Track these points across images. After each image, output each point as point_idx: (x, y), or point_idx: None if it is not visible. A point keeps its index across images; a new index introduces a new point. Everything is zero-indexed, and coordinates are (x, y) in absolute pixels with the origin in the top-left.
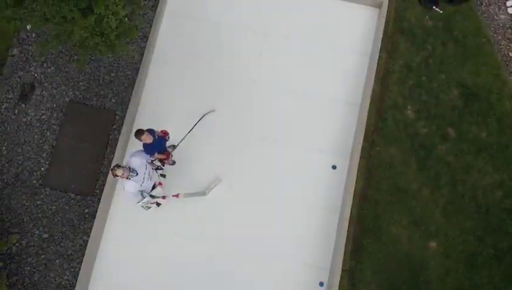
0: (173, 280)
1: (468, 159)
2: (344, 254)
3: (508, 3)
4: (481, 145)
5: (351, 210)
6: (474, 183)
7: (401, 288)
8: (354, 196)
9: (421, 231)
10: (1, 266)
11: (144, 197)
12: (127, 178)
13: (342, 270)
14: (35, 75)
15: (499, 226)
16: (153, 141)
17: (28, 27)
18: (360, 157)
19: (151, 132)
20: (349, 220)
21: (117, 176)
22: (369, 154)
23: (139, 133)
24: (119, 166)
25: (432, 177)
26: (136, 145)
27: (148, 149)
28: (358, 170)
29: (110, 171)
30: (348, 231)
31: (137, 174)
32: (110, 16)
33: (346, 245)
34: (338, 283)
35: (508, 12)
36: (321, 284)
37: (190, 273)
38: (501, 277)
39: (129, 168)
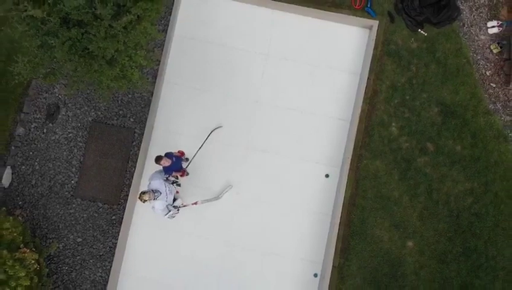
0: (190, 273)
1: (444, 170)
2: (334, 252)
3: (489, 24)
4: (455, 158)
5: (341, 215)
6: (447, 191)
7: (381, 280)
8: (343, 203)
9: (400, 233)
10: (50, 269)
11: (170, 210)
12: (154, 199)
13: (333, 266)
14: (59, 96)
15: (468, 228)
16: (171, 163)
17: None
18: (349, 169)
19: (169, 155)
20: (339, 223)
21: (146, 200)
22: (357, 166)
23: (158, 159)
24: (145, 192)
25: (411, 186)
26: (152, 160)
27: (167, 170)
28: (347, 181)
29: (138, 198)
30: (338, 232)
31: (160, 193)
32: (133, 68)
33: (336, 245)
34: (329, 274)
35: (488, 33)
36: (315, 275)
37: (204, 268)
38: (468, 271)
39: (152, 191)
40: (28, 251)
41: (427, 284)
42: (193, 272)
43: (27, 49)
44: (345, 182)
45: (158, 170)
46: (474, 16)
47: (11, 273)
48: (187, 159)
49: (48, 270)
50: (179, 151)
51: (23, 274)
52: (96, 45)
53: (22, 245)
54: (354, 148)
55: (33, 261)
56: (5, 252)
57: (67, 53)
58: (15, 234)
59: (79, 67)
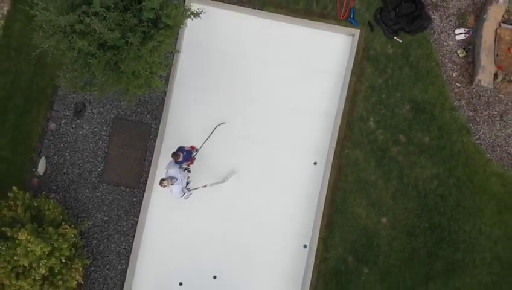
0: (199, 245)
1: (413, 158)
2: (320, 227)
3: (457, 31)
4: (424, 148)
5: (326, 196)
6: (416, 176)
7: (359, 249)
8: (328, 186)
9: (376, 211)
10: (82, 243)
11: (185, 193)
12: (172, 184)
13: (319, 238)
14: (85, 96)
15: (434, 207)
16: (183, 157)
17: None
18: (334, 157)
19: (181, 149)
20: (325, 202)
21: (165, 186)
22: (340, 155)
23: (175, 155)
24: (164, 179)
25: (386, 171)
26: (166, 150)
27: (179, 163)
28: (332, 167)
29: (159, 184)
30: (323, 210)
31: (177, 179)
32: (154, 77)
33: (322, 220)
34: (316, 245)
35: (455, 39)
36: (305, 246)
37: (211, 241)
38: (433, 243)
39: (170, 177)
40: (68, 227)
41: (398, 253)
42: (202, 244)
43: (66, 65)
44: (330, 168)
45: (172, 160)
46: (443, 24)
47: (56, 246)
48: (196, 150)
49: (81, 243)
50: (191, 147)
51: (65, 246)
52: (127, 64)
53: (63, 223)
54: (337, 139)
55: (72, 236)
56: (50, 228)
57: (103, 69)
58: (56, 214)
59: (110, 79)
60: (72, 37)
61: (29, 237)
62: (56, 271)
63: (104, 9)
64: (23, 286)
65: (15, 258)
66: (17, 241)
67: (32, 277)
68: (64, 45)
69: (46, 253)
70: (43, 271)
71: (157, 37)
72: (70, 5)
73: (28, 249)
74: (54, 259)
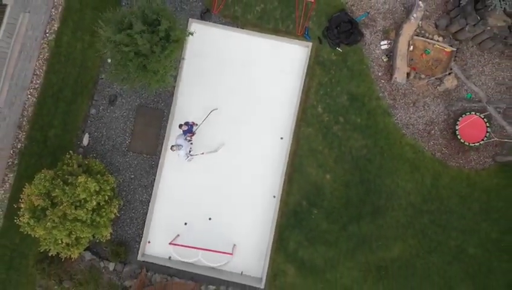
0: (199, 196)
1: (349, 133)
2: (284, 181)
3: (382, 43)
4: (356, 126)
5: (288, 160)
6: (351, 146)
7: (310, 197)
8: (289, 153)
9: (322, 170)
10: (117, 191)
11: (188, 157)
12: (179, 150)
13: (282, 189)
14: (117, 90)
15: (363, 167)
16: (188, 128)
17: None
18: (294, 133)
19: (187, 123)
20: (287, 165)
21: (174, 150)
22: (298, 132)
23: (180, 126)
24: (173, 145)
25: (329, 143)
26: (175, 130)
27: (184, 132)
28: (292, 140)
29: (170, 149)
30: (286, 170)
31: (182, 146)
32: (168, 76)
33: (285, 177)
34: (280, 194)
35: (381, 48)
36: (274, 196)
37: (209, 192)
38: (363, 192)
39: (178, 145)
40: (110, 175)
41: (338, 200)
42: (201, 195)
43: (111, 65)
44: (291, 141)
45: (180, 134)
46: (372, 38)
47: (102, 187)
48: (196, 124)
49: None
50: (192, 122)
51: (108, 188)
52: (152, 66)
53: (106, 173)
54: (296, 121)
55: (112, 182)
56: (98, 175)
57: (136, 69)
58: (101, 168)
59: (140, 76)
60: (120, 46)
61: (86, 179)
62: (101, 205)
63: (141, 30)
64: (79, 214)
65: (75, 194)
66: (76, 184)
67: (86, 208)
68: (114, 50)
69: (97, 190)
70: (94, 204)
71: (169, 47)
72: (120, 27)
73: (86, 186)
74: (100, 196)
